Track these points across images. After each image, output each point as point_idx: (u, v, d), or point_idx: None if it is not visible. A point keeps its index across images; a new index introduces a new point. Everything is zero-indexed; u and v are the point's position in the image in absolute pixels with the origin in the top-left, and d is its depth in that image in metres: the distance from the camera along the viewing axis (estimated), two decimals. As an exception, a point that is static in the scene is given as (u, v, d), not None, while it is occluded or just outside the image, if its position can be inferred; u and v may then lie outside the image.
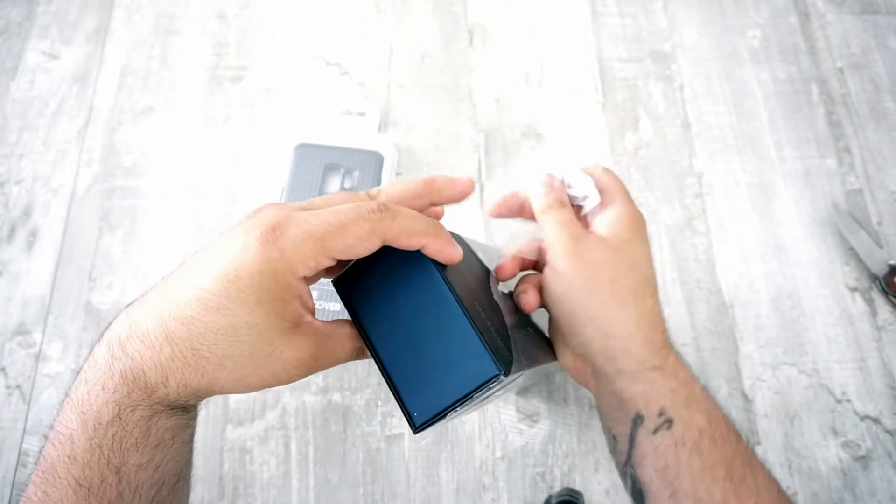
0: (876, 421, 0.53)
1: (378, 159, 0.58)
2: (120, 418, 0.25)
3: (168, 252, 0.58)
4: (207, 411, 0.53)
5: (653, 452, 0.32)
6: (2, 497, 0.50)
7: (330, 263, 0.26)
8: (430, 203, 0.31)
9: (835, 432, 0.53)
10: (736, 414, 0.53)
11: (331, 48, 0.67)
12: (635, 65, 0.67)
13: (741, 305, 0.57)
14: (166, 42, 0.67)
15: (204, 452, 0.51)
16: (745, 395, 0.54)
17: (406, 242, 0.27)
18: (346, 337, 0.29)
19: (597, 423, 0.53)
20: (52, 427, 0.26)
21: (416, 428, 0.28)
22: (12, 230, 0.58)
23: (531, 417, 0.53)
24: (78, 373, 0.26)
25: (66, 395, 0.26)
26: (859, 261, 0.59)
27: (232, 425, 0.52)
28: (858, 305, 0.58)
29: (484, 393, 0.28)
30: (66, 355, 0.54)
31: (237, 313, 0.24)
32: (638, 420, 0.33)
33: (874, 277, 0.58)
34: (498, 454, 0.52)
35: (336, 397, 0.53)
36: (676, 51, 0.68)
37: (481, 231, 0.60)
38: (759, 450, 0.52)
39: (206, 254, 0.26)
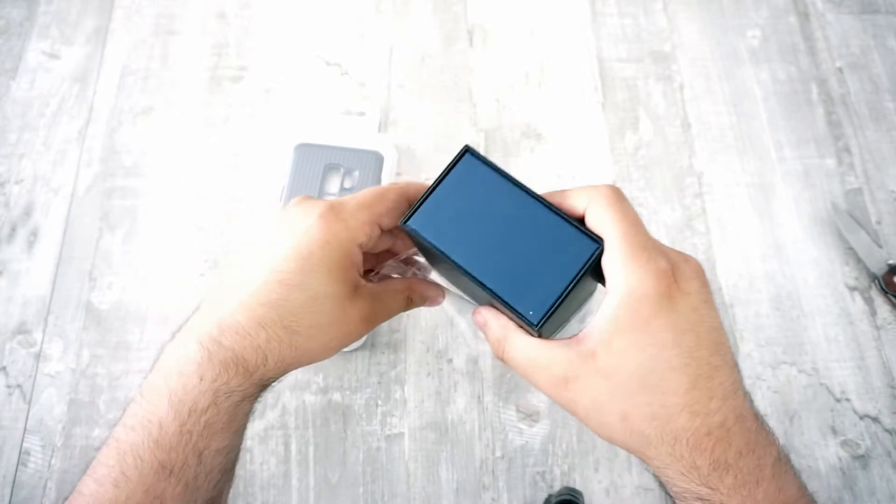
0: (875, 420, 0.53)
1: (378, 159, 0.58)
2: (215, 405, 0.27)
3: (168, 252, 0.58)
4: (208, 411, 0.53)
5: None
6: (2, 497, 0.50)
7: (378, 231, 0.30)
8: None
9: (834, 431, 0.53)
10: (735, 413, 0.53)
11: (331, 48, 0.67)
12: (635, 65, 0.68)
13: (741, 305, 0.57)
14: (166, 42, 0.67)
15: (204, 452, 0.51)
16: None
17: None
18: (396, 292, 0.33)
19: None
20: (128, 414, 0.28)
21: (537, 325, 0.27)
22: (13, 230, 0.59)
23: (531, 417, 0.53)
24: (154, 368, 0.28)
25: (144, 388, 0.28)
26: (858, 260, 0.59)
27: (232, 425, 0.52)
28: (858, 305, 0.58)
29: (586, 281, 0.28)
30: (67, 355, 0.54)
31: (315, 286, 0.28)
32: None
33: (873, 277, 0.58)
34: (498, 454, 0.52)
35: (336, 397, 0.53)
36: (676, 51, 0.68)
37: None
38: (758, 449, 0.53)
39: (265, 242, 0.29)
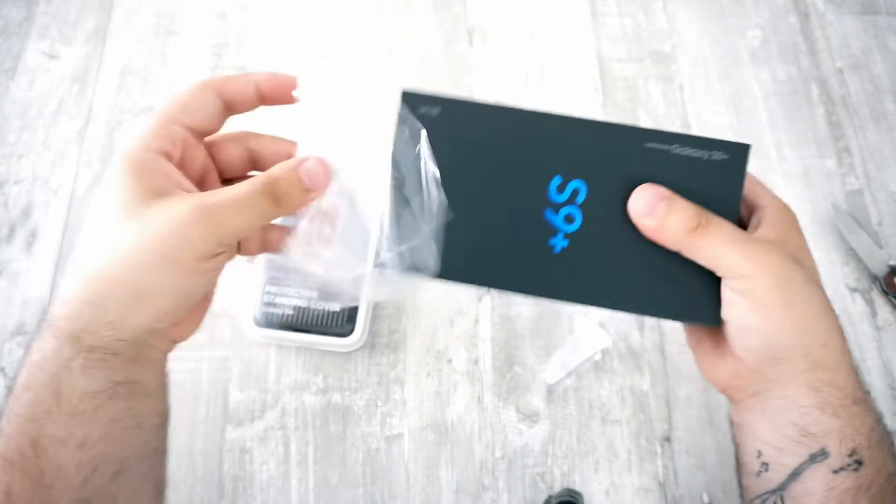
0: (876, 421, 0.53)
1: (378, 159, 0.58)
2: (33, 380, 0.25)
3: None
4: (207, 411, 0.53)
5: (824, 492, 0.28)
6: (1, 497, 0.50)
7: (181, 131, 0.28)
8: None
9: (835, 433, 0.53)
10: (736, 414, 0.53)
11: (331, 48, 0.67)
12: (635, 65, 0.67)
13: (741, 306, 0.57)
14: (166, 42, 0.67)
15: (203, 452, 0.51)
16: (744, 396, 0.54)
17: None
18: (247, 193, 0.27)
19: (596, 424, 0.53)
20: None
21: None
22: (12, 230, 0.58)
23: (531, 418, 0.53)
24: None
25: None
26: (859, 261, 0.59)
27: (231, 425, 0.52)
28: (858, 306, 0.58)
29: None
30: (66, 355, 0.54)
31: (103, 210, 0.26)
32: (819, 456, 0.28)
33: (874, 278, 0.58)
34: (498, 454, 0.52)
35: (336, 397, 0.53)
36: (676, 51, 0.68)
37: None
38: (758, 450, 0.52)
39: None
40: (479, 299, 0.57)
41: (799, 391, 0.28)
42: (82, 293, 0.25)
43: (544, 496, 0.50)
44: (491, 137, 0.28)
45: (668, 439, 0.53)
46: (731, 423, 0.32)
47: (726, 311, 0.28)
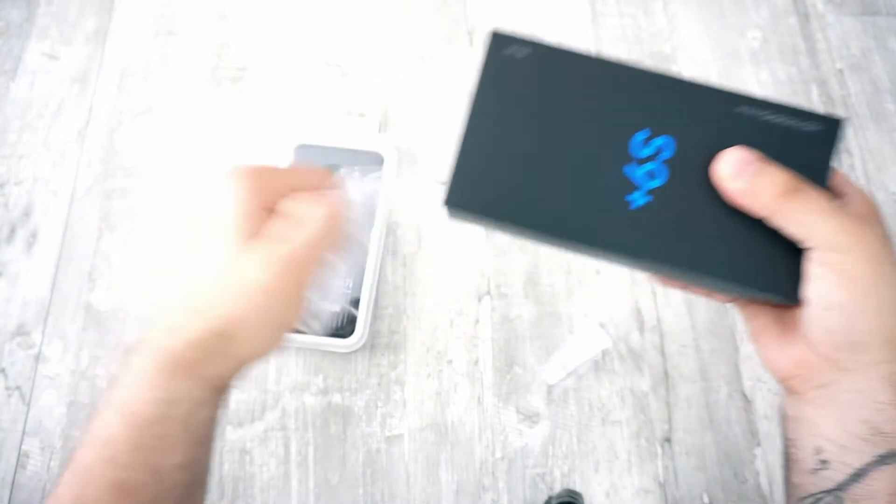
0: (876, 422, 0.53)
1: (378, 159, 0.58)
2: (167, 416, 0.26)
3: (168, 252, 0.58)
4: (207, 412, 0.53)
5: (889, 495, 0.26)
6: (1, 498, 0.50)
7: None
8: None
9: (835, 433, 0.53)
10: (736, 415, 0.53)
11: (331, 48, 0.67)
12: (635, 65, 0.67)
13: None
14: (166, 42, 0.67)
15: (204, 453, 0.51)
16: (745, 396, 0.54)
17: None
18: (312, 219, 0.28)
19: (596, 424, 0.53)
20: (86, 430, 0.26)
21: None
22: (12, 231, 0.58)
23: (531, 418, 0.53)
24: (111, 382, 0.27)
25: (102, 400, 0.27)
26: (859, 261, 0.59)
27: (232, 426, 0.52)
28: (858, 306, 0.58)
29: None
30: (66, 356, 0.54)
31: (208, 256, 0.27)
32: (889, 458, 0.26)
33: None
34: (498, 455, 0.52)
35: (336, 398, 0.53)
36: (676, 51, 0.68)
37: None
38: (758, 451, 0.52)
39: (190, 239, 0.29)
40: (479, 300, 0.57)
41: (874, 385, 0.26)
42: (211, 339, 0.26)
43: (544, 497, 0.50)
44: (578, 85, 0.28)
45: (668, 440, 0.53)
46: (784, 417, 0.30)
47: (810, 289, 0.26)
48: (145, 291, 0.28)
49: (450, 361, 0.55)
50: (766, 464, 0.52)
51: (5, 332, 0.55)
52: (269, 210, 0.29)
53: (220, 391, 0.28)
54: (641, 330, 0.56)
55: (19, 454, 0.51)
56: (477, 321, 0.56)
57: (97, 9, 0.69)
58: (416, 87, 0.66)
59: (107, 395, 0.27)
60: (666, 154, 0.27)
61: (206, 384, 0.27)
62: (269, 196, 0.29)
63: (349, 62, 0.67)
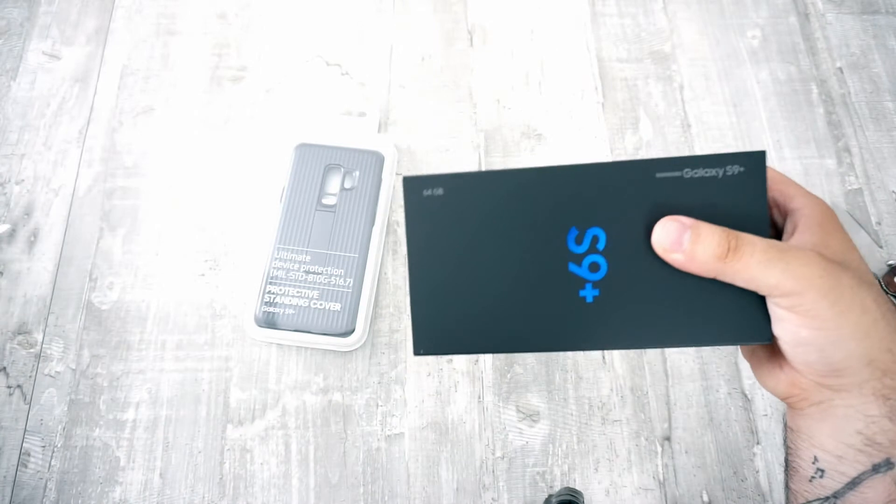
0: (875, 420, 0.53)
1: (378, 159, 0.58)
2: None
3: (168, 252, 0.58)
4: (208, 411, 0.53)
5: (883, 502, 0.28)
6: (2, 498, 0.50)
7: None
8: None
9: (834, 432, 0.53)
10: (736, 414, 0.53)
11: (331, 48, 0.67)
12: (635, 65, 0.68)
13: (741, 305, 0.57)
14: (167, 42, 0.67)
15: (204, 452, 0.51)
16: (744, 395, 0.54)
17: None
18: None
19: (596, 423, 0.53)
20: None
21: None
22: (13, 230, 0.59)
23: (531, 417, 0.53)
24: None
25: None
26: (859, 261, 0.59)
27: (232, 425, 0.52)
28: (858, 305, 0.58)
29: None
30: (67, 355, 0.54)
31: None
32: (883, 467, 0.27)
33: (874, 277, 0.58)
34: (498, 454, 0.52)
35: (336, 397, 0.53)
36: (676, 51, 0.68)
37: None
38: (758, 449, 0.53)
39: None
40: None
41: (866, 400, 0.27)
42: None
43: (544, 495, 0.50)
44: (500, 202, 0.28)
45: (668, 439, 0.53)
46: (785, 428, 0.31)
47: (776, 328, 0.27)
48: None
49: (450, 360, 0.55)
50: (766, 462, 0.52)
51: (6, 331, 0.55)
52: None
53: None
54: (641, 329, 0.56)
55: (20, 453, 0.51)
56: (477, 320, 0.56)
57: (98, 8, 0.69)
58: (416, 87, 0.66)
59: None
60: (600, 245, 0.28)
61: None
62: None
63: (349, 62, 0.67)
